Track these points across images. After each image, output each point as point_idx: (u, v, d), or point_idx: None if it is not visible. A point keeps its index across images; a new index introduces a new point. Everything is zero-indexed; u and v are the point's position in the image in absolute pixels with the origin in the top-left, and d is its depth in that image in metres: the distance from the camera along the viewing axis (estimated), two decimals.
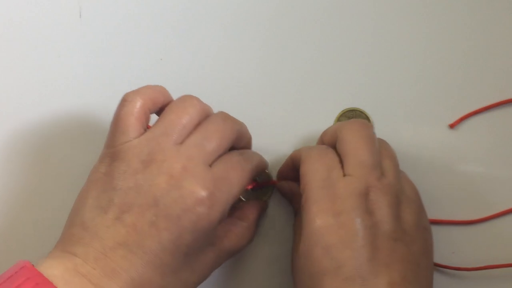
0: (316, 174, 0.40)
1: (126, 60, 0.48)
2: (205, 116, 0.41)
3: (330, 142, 0.43)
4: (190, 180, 0.37)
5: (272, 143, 0.47)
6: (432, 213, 0.46)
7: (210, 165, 0.39)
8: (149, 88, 0.41)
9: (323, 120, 0.47)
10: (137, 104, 0.39)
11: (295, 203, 0.45)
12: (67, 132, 0.47)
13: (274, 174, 0.47)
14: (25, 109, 0.47)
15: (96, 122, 0.47)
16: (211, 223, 0.38)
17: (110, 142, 0.39)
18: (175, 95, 0.48)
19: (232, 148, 0.42)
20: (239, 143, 0.43)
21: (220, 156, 0.40)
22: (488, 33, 0.48)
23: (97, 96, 0.47)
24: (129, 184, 0.37)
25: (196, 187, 0.37)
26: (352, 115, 0.47)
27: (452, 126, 0.47)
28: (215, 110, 0.47)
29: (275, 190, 0.46)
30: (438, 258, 0.45)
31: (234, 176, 0.39)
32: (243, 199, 0.46)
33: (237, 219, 0.43)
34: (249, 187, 0.45)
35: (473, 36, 0.48)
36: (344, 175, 0.40)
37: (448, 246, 0.46)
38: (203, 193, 0.37)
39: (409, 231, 0.39)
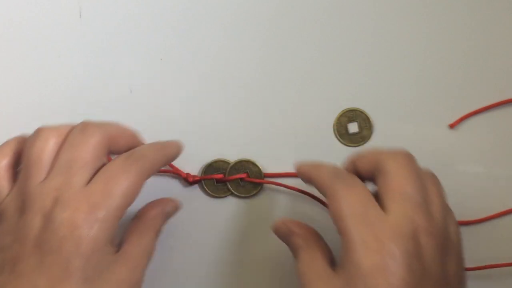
0: (352, 210, 0.36)
1: (126, 60, 0.48)
2: (65, 138, 0.39)
3: (367, 170, 0.39)
4: (61, 209, 0.36)
5: (273, 143, 0.47)
6: None
7: (89, 181, 0.38)
8: (4, 145, 0.41)
9: (323, 120, 0.47)
10: None
11: (292, 244, 0.41)
12: None
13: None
14: (25, 109, 0.47)
15: None
16: (96, 243, 0.36)
17: None
18: (175, 95, 0.48)
19: (117, 153, 0.41)
20: (118, 145, 0.40)
21: (100, 166, 0.39)
22: (488, 33, 0.48)
23: (97, 96, 0.47)
24: (11, 238, 0.37)
25: (68, 213, 0.36)
26: (352, 115, 0.47)
27: (452, 126, 0.47)
28: (215, 110, 0.47)
29: (264, 189, 0.47)
30: None
31: (115, 186, 0.37)
32: (234, 192, 0.46)
33: (137, 221, 0.42)
34: (231, 177, 0.46)
35: (473, 36, 0.48)
36: (385, 210, 0.37)
37: None
38: (76, 217, 0.36)
39: (451, 282, 0.37)
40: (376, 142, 0.47)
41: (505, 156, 0.47)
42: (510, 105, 0.47)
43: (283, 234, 0.41)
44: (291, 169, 0.47)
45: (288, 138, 0.47)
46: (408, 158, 0.38)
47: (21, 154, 0.40)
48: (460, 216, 0.46)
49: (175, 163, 0.47)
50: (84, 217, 0.36)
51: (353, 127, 0.47)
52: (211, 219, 0.47)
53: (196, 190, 0.47)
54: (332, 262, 0.39)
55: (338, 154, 0.47)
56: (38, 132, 0.40)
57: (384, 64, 0.48)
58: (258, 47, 0.48)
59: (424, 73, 0.48)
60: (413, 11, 0.48)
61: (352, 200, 0.37)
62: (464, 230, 0.46)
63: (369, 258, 0.35)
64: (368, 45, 0.48)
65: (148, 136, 0.47)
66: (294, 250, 0.41)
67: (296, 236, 0.40)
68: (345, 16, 0.48)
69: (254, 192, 0.47)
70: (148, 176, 0.39)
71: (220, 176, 0.46)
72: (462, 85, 0.48)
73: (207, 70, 0.48)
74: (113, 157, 0.41)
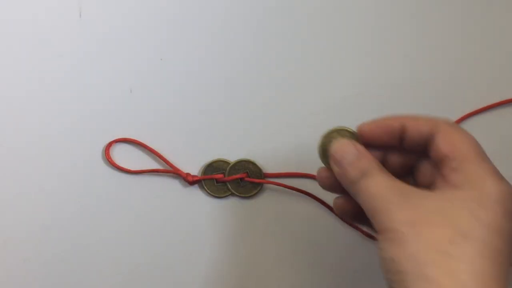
0: (474, 144, 0.36)
1: (126, 60, 0.48)
2: None
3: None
4: None
5: (273, 143, 0.47)
6: None
7: None
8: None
9: (323, 119, 0.47)
10: None
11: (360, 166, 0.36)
12: (67, 132, 0.47)
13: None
14: (25, 109, 0.47)
15: (96, 122, 0.47)
16: None
17: None
18: (175, 95, 0.48)
19: None
20: None
21: None
22: (488, 33, 0.48)
23: (97, 97, 0.47)
24: None
25: None
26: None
27: None
28: (215, 110, 0.47)
29: (264, 189, 0.47)
30: None
31: None
32: (234, 192, 0.46)
33: None
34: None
35: (473, 36, 0.48)
36: None
37: None
38: None
39: None
40: None
41: (505, 156, 0.47)
42: (510, 105, 0.47)
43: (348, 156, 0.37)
44: (291, 169, 0.47)
45: (288, 138, 0.47)
46: None
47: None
48: None
49: (175, 163, 0.47)
50: None
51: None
52: (211, 219, 0.47)
53: (196, 190, 0.47)
54: None
55: None
56: None
57: (384, 64, 0.48)
58: (259, 47, 0.48)
59: (424, 74, 0.48)
60: (412, 11, 0.48)
61: (472, 137, 0.36)
62: None
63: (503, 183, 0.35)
64: (368, 45, 0.48)
65: (148, 136, 0.47)
66: (361, 174, 0.36)
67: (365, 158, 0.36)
68: (345, 16, 0.48)
69: (254, 192, 0.47)
70: None
71: (220, 176, 0.47)
72: (462, 85, 0.48)
73: (207, 70, 0.48)
74: None
